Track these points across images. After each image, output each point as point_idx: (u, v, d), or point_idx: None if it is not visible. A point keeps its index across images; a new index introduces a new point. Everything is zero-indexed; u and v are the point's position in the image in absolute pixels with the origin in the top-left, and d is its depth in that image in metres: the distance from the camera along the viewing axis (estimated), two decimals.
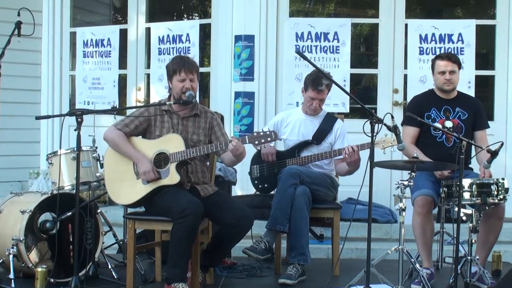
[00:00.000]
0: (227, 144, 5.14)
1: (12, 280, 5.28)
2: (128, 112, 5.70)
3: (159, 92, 8.31)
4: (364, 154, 5.58)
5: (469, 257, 5.41)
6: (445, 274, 5.67)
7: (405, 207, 5.18)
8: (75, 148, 5.26)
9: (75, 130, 4.98)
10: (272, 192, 6.15)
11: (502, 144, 5.28)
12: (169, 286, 5.05)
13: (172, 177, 5.19)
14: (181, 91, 5.33)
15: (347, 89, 7.87)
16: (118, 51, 8.77)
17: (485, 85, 8.44)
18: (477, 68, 7.98)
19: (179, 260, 5.04)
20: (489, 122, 6.27)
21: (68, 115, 5.09)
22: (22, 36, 5.58)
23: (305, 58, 5.02)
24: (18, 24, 5.52)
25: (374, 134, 4.86)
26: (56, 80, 9.03)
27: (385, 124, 4.91)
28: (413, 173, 5.17)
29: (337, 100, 7.81)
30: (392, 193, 7.74)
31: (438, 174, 5.73)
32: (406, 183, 5.15)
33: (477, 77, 7.91)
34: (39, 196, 5.59)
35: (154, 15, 9.12)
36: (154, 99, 8.27)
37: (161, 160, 5.25)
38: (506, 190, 5.35)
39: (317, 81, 6.03)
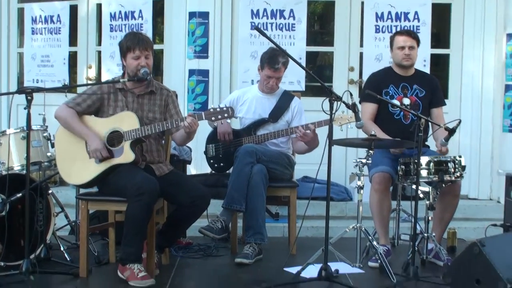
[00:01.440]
0: (183, 120, 5.04)
1: None
2: (80, 90, 5.53)
3: (111, 70, 8.15)
4: (322, 132, 5.54)
5: (425, 234, 5.44)
6: (402, 251, 5.70)
7: (363, 185, 5.15)
8: (25, 127, 5.12)
9: (24, 108, 4.80)
10: (228, 171, 6.06)
11: (459, 122, 5.28)
12: (123, 267, 4.96)
13: (126, 155, 5.07)
14: (136, 68, 5.19)
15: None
16: (68, 28, 8.56)
17: (439, 64, 8.44)
18: (433, 46, 7.97)
19: (134, 240, 4.95)
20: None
21: (18, 93, 4.91)
22: None
23: (264, 34, 4.95)
24: None
25: (333, 112, 4.81)
26: (4, 58, 8.80)
27: (344, 102, 4.88)
28: (370, 151, 5.15)
29: (292, 78, 7.75)
30: (347, 171, 7.74)
31: (392, 151, 5.70)
32: (364, 161, 5.12)
33: (432, 55, 7.91)
34: None
35: None
36: (105, 77, 8.12)
37: (114, 138, 5.12)
38: (463, 168, 5.37)
39: (274, 59, 5.95)
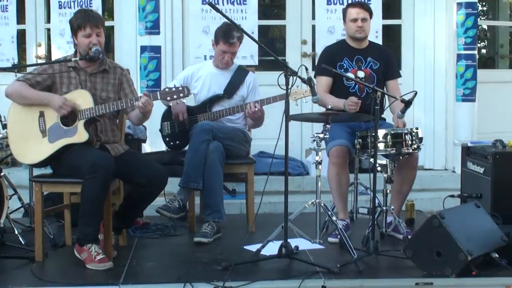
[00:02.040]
0: (138, 100, 4.95)
1: None
2: (31, 69, 5.40)
3: (61, 48, 7.97)
4: (278, 107, 5.50)
5: (384, 208, 5.45)
6: (360, 225, 5.68)
7: (321, 160, 5.12)
8: None
9: None
10: (184, 149, 5.99)
11: (415, 94, 5.27)
12: (81, 248, 4.88)
13: (80, 135, 4.96)
14: (88, 47, 5.07)
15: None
16: (15, 5, 8.33)
17: (391, 35, 8.46)
18: (384, 17, 7.96)
19: (91, 219, 4.87)
20: None
21: None
22: None
23: (217, 10, 4.87)
24: None
25: (290, 86, 4.76)
26: None
27: (299, 77, 4.83)
28: (328, 126, 5.11)
29: (245, 53, 7.67)
30: (303, 145, 7.73)
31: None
32: (321, 135, 5.09)
33: (384, 26, 7.90)
34: None
35: None
36: (56, 55, 7.94)
37: (68, 117, 5.01)
38: (420, 140, 5.37)
39: (228, 34, 5.89)
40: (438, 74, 7.88)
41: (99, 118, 5.06)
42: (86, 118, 4.96)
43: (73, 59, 5.09)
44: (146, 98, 4.92)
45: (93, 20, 5.12)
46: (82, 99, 5.00)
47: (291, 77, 4.76)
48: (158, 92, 4.98)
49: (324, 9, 7.85)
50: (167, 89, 4.96)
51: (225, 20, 5.15)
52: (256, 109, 5.76)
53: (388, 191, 5.48)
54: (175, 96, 4.94)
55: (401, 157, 5.37)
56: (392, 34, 8.44)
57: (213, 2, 7.62)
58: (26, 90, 5.07)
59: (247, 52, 7.66)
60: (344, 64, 5.88)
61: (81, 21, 5.10)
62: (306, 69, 4.90)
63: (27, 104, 5.11)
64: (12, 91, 5.12)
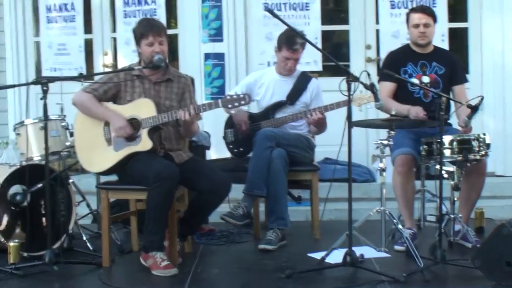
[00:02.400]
0: (199, 109, 5.01)
1: None
2: (97, 78, 5.49)
3: (127, 56, 8.07)
4: (341, 112, 5.46)
5: (452, 216, 5.34)
6: (428, 233, 5.62)
7: (385, 167, 5.07)
8: (43, 117, 5.07)
9: (41, 99, 4.78)
10: (248, 156, 5.99)
11: (482, 99, 5.17)
12: (146, 255, 4.95)
13: (144, 143, 5.02)
14: (151, 55, 5.14)
15: (319, 47, 7.71)
16: (82, 15, 8.48)
17: (459, 38, 8.33)
18: (450, 20, 7.84)
19: (156, 227, 4.93)
20: None
21: (34, 84, 4.86)
22: None
23: (276, 16, 4.89)
24: None
25: (351, 92, 4.73)
26: (21, 47, 8.70)
27: (361, 82, 4.79)
28: (392, 132, 5.06)
29: (309, 59, 7.62)
30: (369, 151, 7.65)
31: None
32: (385, 142, 5.04)
33: (451, 30, 7.79)
34: (7, 169, 5.43)
35: None
36: (121, 63, 8.07)
37: (132, 125, 5.08)
38: (488, 146, 5.25)
39: (292, 40, 5.87)
40: (507, 77, 7.68)
41: (162, 126, 5.11)
42: (149, 126, 5.01)
43: (136, 67, 5.16)
44: (189, 113, 4.97)
45: (155, 28, 5.18)
46: (145, 107, 5.06)
47: (353, 83, 4.72)
48: (219, 100, 5.01)
49: (388, 13, 7.79)
50: (228, 97, 4.98)
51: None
52: (318, 116, 5.72)
53: (455, 199, 5.37)
54: (236, 104, 4.95)
55: (468, 164, 5.27)
56: (459, 37, 8.30)
57: (274, 8, 7.63)
58: (92, 104, 5.18)
59: (311, 57, 7.61)
60: (408, 69, 5.81)
61: (144, 30, 5.17)
62: (369, 74, 4.86)
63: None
64: (78, 101, 5.23)
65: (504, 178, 7.59)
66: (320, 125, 5.90)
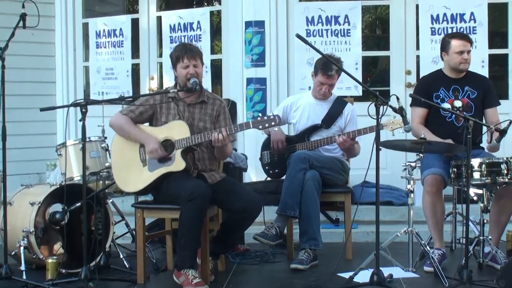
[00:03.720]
0: (231, 130, 5.15)
1: (24, 272, 5.31)
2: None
3: (172, 81, 8.20)
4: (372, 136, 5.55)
5: (481, 237, 5.38)
6: (459, 255, 5.61)
7: (413, 189, 5.14)
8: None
9: (80, 120, 4.95)
10: (283, 177, 6.11)
11: (510, 122, 5.21)
12: (179, 272, 5.06)
13: (177, 163, 5.18)
14: (186, 77, 5.32)
15: (360, 72, 7.87)
16: (130, 41, 8.79)
17: (499, 64, 8.34)
18: (490, 47, 7.87)
19: (188, 244, 5.05)
20: (504, 101, 6.22)
21: (73, 106, 5.05)
22: (28, 28, 5.56)
23: (306, 42, 5.01)
24: (23, 16, 5.49)
25: (380, 116, 4.81)
26: (70, 72, 9.04)
27: (390, 106, 4.87)
28: (420, 154, 5.14)
29: (349, 84, 7.75)
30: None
31: (445, 154, 5.67)
32: (413, 164, 5.12)
33: (490, 56, 7.82)
34: (48, 188, 5.63)
35: (165, 3, 9.10)
36: (165, 87, 8.24)
37: (167, 147, 5.24)
38: None
39: (327, 66, 5.97)
40: None
41: (195, 147, 5.26)
42: (183, 147, 5.17)
43: (172, 90, 5.33)
44: (222, 134, 5.09)
45: (190, 52, 5.36)
46: (179, 129, 5.22)
47: (382, 106, 4.81)
48: (250, 121, 5.12)
49: (428, 39, 7.86)
50: (259, 118, 5.09)
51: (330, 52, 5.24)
52: (344, 139, 5.82)
53: (485, 221, 5.41)
54: (266, 125, 5.06)
55: (497, 187, 5.32)
56: (500, 64, 8.32)
57: (316, 35, 7.79)
58: (128, 126, 5.37)
59: (351, 83, 7.71)
60: (441, 94, 5.86)
61: (180, 53, 5.36)
62: (398, 98, 4.93)
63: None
64: (115, 124, 5.42)
65: None
66: (348, 150, 5.99)
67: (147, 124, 5.48)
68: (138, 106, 5.42)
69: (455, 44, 5.87)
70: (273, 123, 5.06)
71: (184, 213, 5.00)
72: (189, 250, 5.06)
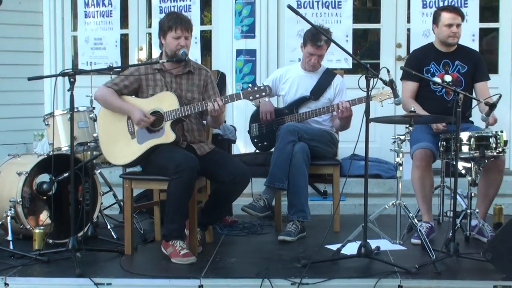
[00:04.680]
0: (227, 101, 5.13)
1: (10, 242, 5.28)
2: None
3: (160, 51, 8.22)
4: (363, 108, 5.53)
5: (468, 211, 5.40)
6: (446, 229, 5.60)
7: (402, 162, 5.14)
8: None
9: (68, 90, 4.91)
10: (272, 150, 6.10)
11: (500, 96, 5.22)
12: (166, 243, 5.08)
13: (167, 135, 5.16)
14: (176, 48, 5.27)
15: (350, 44, 7.84)
16: (119, 11, 8.68)
17: (490, 38, 8.32)
18: (481, 20, 7.85)
19: (176, 216, 5.05)
20: (494, 75, 6.21)
21: (61, 76, 5.00)
22: None
23: (297, 13, 4.98)
24: None
25: (370, 88, 4.79)
26: (58, 41, 8.96)
27: (380, 79, 4.85)
28: (410, 128, 5.14)
29: (339, 56, 7.72)
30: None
31: (434, 128, 5.67)
32: (402, 137, 5.12)
33: (481, 30, 7.81)
34: (36, 158, 5.58)
35: None
36: (151, 59, 8.20)
37: (155, 119, 5.21)
38: (505, 143, 5.29)
39: (317, 37, 5.94)
40: None
41: (184, 119, 5.23)
42: (172, 119, 5.14)
43: (160, 61, 5.29)
44: (218, 103, 5.08)
45: (184, 23, 5.31)
46: (168, 100, 5.19)
47: (372, 79, 4.79)
48: (241, 92, 5.12)
49: (420, 13, 7.82)
50: (249, 88, 5.08)
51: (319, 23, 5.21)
52: (345, 106, 5.78)
53: (473, 194, 5.43)
54: (257, 95, 5.07)
55: (486, 160, 5.33)
56: (489, 37, 8.30)
57: (307, 6, 7.76)
58: (112, 98, 5.32)
59: (341, 55, 7.68)
60: (431, 69, 5.85)
61: (173, 23, 5.29)
62: (388, 71, 4.92)
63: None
64: (99, 97, 5.38)
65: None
66: (345, 119, 5.92)
67: (133, 96, 5.43)
68: (122, 79, 5.37)
69: (445, 16, 5.86)
70: (263, 94, 5.05)
71: (171, 185, 4.99)
72: (177, 222, 5.06)
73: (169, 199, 5.04)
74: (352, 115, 5.88)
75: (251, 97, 5.08)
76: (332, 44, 5.67)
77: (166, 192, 5.08)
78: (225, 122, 6.26)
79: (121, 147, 5.32)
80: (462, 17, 5.91)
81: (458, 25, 5.84)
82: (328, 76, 6.19)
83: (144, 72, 5.37)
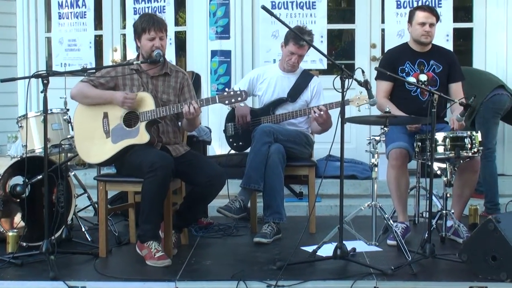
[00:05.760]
0: (202, 104, 5.10)
1: None
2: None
3: (136, 53, 8.15)
4: (337, 110, 5.53)
5: (444, 211, 5.41)
6: (422, 229, 5.64)
7: (377, 163, 5.15)
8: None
9: (41, 92, 4.87)
10: (247, 150, 6.08)
11: (475, 97, 5.23)
12: (142, 245, 5.05)
13: (141, 136, 5.13)
14: (151, 49, 5.25)
15: (325, 45, 7.85)
16: (93, 12, 8.63)
17: (464, 38, 8.36)
18: (455, 20, 7.88)
19: (151, 215, 5.02)
20: None
21: (34, 77, 4.96)
22: None
23: (272, 14, 4.96)
24: None
25: (345, 89, 4.78)
26: (32, 43, 8.89)
27: (355, 79, 4.84)
28: (385, 128, 5.14)
29: (314, 57, 7.72)
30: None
31: (408, 127, 5.68)
32: (378, 138, 5.12)
33: (455, 30, 7.84)
34: (9, 160, 5.54)
35: None
36: (127, 60, 8.16)
37: (131, 119, 5.19)
38: (480, 143, 5.31)
39: (299, 36, 5.92)
40: (510, 77, 7.70)
41: (160, 120, 5.21)
42: (147, 119, 5.12)
43: (135, 62, 5.26)
44: (193, 106, 5.05)
45: (157, 24, 5.28)
46: (144, 101, 5.16)
47: (347, 79, 4.78)
48: (217, 96, 5.09)
49: (394, 13, 7.84)
50: (225, 93, 5.05)
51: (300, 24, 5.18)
52: (320, 113, 5.78)
53: (448, 195, 5.44)
54: (233, 100, 5.04)
55: (461, 161, 5.35)
56: (464, 37, 8.33)
57: (281, 7, 7.76)
58: (89, 89, 5.29)
59: (316, 56, 7.68)
60: (406, 68, 5.86)
61: (146, 25, 5.27)
62: (363, 71, 4.92)
63: (91, 104, 5.32)
64: (76, 92, 5.34)
65: (504, 177, 7.61)
66: (323, 123, 5.89)
67: None
68: (98, 76, 5.35)
69: (419, 15, 5.89)
70: (239, 99, 5.04)
71: (146, 184, 4.96)
72: (151, 221, 5.03)
73: (144, 198, 5.01)
74: (331, 117, 5.85)
75: (226, 101, 5.05)
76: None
77: (141, 192, 5.04)
78: (200, 123, 6.23)
79: (96, 146, 5.28)
80: (437, 17, 5.93)
81: (432, 25, 5.85)
82: (306, 77, 6.19)
83: (121, 72, 5.33)
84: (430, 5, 7.49)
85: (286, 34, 6.10)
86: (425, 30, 5.84)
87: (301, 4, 7.88)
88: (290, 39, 6.02)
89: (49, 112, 5.14)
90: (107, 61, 8.62)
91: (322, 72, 7.22)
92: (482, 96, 6.42)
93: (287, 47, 6.07)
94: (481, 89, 6.42)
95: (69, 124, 5.83)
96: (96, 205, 6.17)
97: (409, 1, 7.76)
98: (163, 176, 4.93)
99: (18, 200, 5.58)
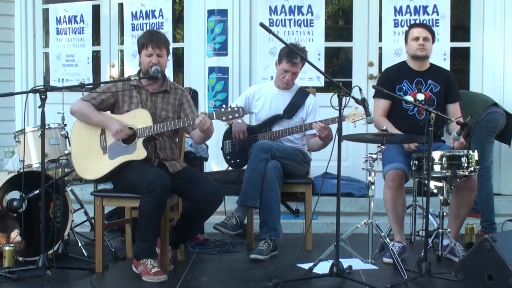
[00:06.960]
0: (194, 119, 5.08)
1: None
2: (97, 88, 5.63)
3: (134, 68, 8.17)
4: (334, 128, 5.54)
5: (440, 230, 5.41)
6: (418, 248, 5.64)
7: (374, 181, 5.15)
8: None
9: (39, 107, 4.88)
10: (245, 167, 6.09)
11: (471, 116, 5.25)
12: (137, 262, 5.04)
13: (138, 152, 5.13)
14: (148, 65, 5.27)
15: (322, 63, 7.86)
16: (91, 28, 8.69)
17: (461, 57, 8.39)
18: (452, 40, 7.92)
19: (147, 233, 5.02)
20: None
21: (32, 92, 4.97)
22: None
23: (270, 31, 4.99)
24: None
25: (342, 107, 4.80)
26: (30, 58, 8.95)
27: (353, 97, 4.85)
28: (382, 146, 5.15)
29: (312, 74, 7.74)
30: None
31: (406, 147, 5.70)
32: (374, 156, 5.13)
33: (452, 49, 7.87)
34: (6, 175, 5.54)
35: None
36: (128, 75, 8.17)
37: (129, 135, 5.19)
38: (477, 162, 5.32)
39: (292, 54, 5.93)
40: (507, 96, 7.72)
41: (157, 137, 5.22)
42: (145, 136, 5.12)
43: (134, 78, 5.28)
44: (203, 116, 5.04)
45: (156, 40, 5.30)
46: (142, 117, 5.18)
47: (344, 97, 4.80)
48: (214, 112, 5.11)
49: (391, 32, 7.86)
50: (223, 109, 5.07)
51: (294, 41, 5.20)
52: (324, 125, 5.79)
53: (444, 214, 5.44)
54: (230, 116, 5.05)
55: (457, 180, 5.36)
56: (462, 57, 8.36)
57: (279, 24, 7.79)
58: (89, 111, 5.30)
59: (314, 73, 7.70)
60: (404, 87, 5.87)
61: (145, 41, 5.31)
62: (360, 89, 4.93)
63: (88, 123, 5.32)
64: (76, 110, 5.34)
65: (500, 196, 7.59)
66: (327, 137, 5.89)
67: (108, 112, 5.41)
68: (100, 93, 5.36)
69: (413, 31, 5.94)
70: (236, 115, 5.05)
71: (143, 203, 4.97)
72: (148, 240, 5.02)
73: (141, 217, 5.01)
74: (331, 131, 5.83)
75: (224, 118, 5.07)
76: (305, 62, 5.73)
77: (138, 210, 5.05)
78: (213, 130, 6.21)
79: (93, 162, 5.28)
80: (431, 33, 5.96)
81: (426, 39, 5.87)
82: (302, 95, 6.21)
83: (122, 88, 5.35)
84: (427, 23, 7.51)
85: (280, 52, 6.14)
86: (419, 44, 5.85)
87: (299, 22, 7.91)
88: (283, 57, 6.05)
89: (46, 127, 5.17)
90: (104, 76, 8.65)
91: (319, 89, 7.22)
92: (477, 115, 6.43)
93: (281, 65, 6.09)
94: (475, 109, 6.43)
95: (67, 139, 5.84)
96: (93, 221, 6.19)
97: (407, 20, 7.77)
98: (160, 195, 4.94)
99: (15, 215, 5.56)
